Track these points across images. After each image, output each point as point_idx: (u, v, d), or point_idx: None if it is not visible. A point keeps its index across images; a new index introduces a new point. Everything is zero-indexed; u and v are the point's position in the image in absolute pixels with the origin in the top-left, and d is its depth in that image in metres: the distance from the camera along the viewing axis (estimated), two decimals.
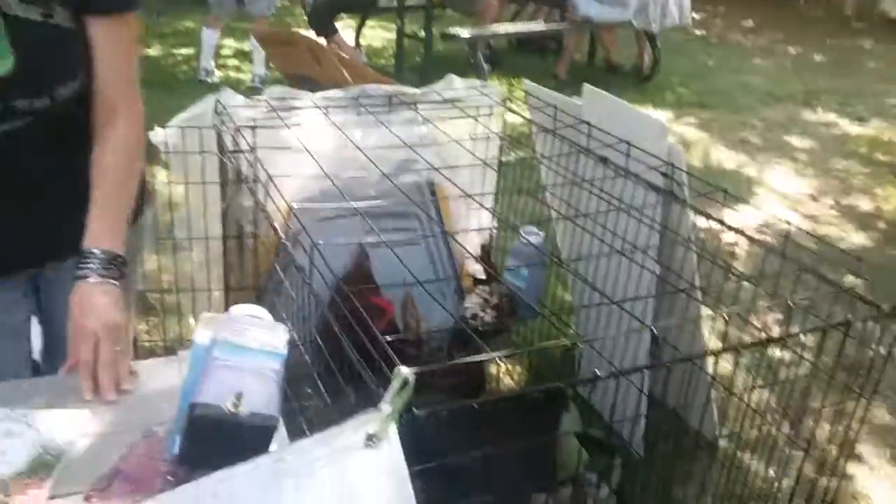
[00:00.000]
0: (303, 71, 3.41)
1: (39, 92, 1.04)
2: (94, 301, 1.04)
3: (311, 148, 1.95)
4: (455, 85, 2.44)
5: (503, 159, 2.45)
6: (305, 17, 6.28)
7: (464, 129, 2.34)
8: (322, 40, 5.89)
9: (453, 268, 2.36)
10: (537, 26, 5.97)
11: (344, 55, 3.61)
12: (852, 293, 1.27)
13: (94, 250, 1.06)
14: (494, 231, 2.47)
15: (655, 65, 5.75)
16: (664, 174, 1.84)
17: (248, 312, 1.18)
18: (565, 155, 2.08)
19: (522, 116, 2.44)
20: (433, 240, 2.34)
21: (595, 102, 2.17)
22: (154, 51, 6.30)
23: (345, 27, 6.31)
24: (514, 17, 7.08)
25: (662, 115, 4.95)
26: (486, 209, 2.20)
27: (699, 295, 1.81)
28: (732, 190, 3.62)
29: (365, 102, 2.24)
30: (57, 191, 1.14)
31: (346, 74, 3.14)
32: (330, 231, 1.90)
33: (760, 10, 9.12)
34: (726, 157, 4.22)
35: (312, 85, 3.40)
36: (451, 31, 5.36)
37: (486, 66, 5.38)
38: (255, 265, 2.11)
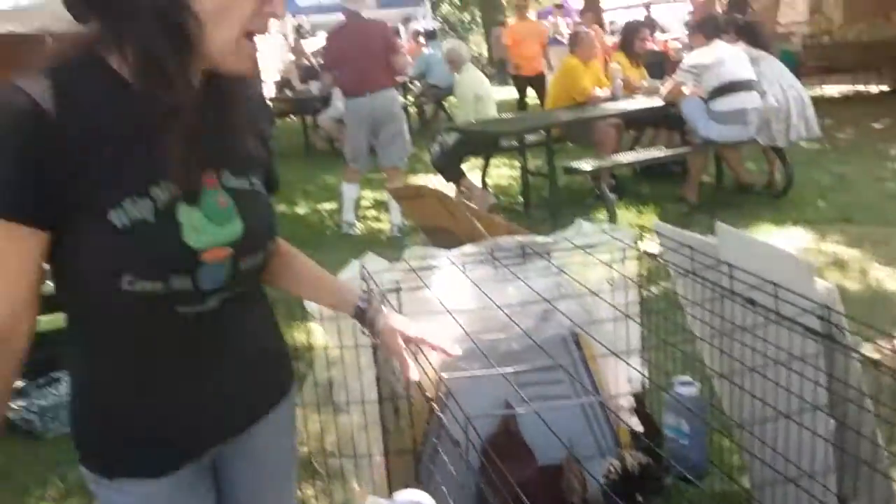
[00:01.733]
0: (437, 222, 3.56)
1: (258, 251, 1.15)
2: (399, 318, 1.33)
3: (453, 307, 2.01)
4: (585, 230, 2.47)
5: (644, 295, 2.42)
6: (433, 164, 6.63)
7: (600, 275, 2.35)
8: (451, 185, 6.18)
9: (608, 422, 2.29)
10: (659, 153, 5.99)
11: (474, 205, 3.74)
12: None
13: (364, 295, 1.34)
14: (647, 381, 2.40)
15: (788, 180, 5.59)
16: (821, 317, 1.75)
17: (412, 499, 1.21)
18: (708, 300, 2.02)
19: (657, 258, 2.42)
20: (584, 395, 2.30)
21: (731, 241, 2.12)
22: (301, 208, 6.75)
23: (470, 168, 6.59)
24: (633, 143, 7.16)
25: (805, 235, 4.75)
26: (634, 368, 2.15)
27: (885, 457, 1.65)
28: None
29: (499, 255, 2.30)
30: (257, 350, 1.22)
31: (479, 225, 3.26)
32: (478, 392, 1.92)
33: (891, 109, 8.78)
34: (885, 276, 3.95)
35: (448, 235, 3.54)
36: (573, 165, 5.47)
37: (611, 196, 5.43)
38: (411, 429, 2.14)
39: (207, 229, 1.06)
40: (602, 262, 2.27)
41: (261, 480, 1.30)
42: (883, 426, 1.63)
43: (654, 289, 2.53)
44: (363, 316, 1.32)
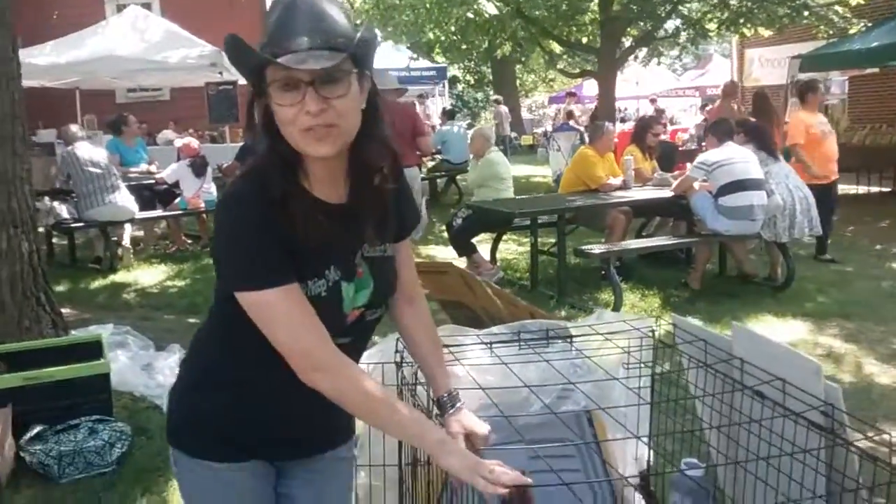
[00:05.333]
0: (456, 297, 3.74)
1: (380, 306, 1.42)
2: (472, 416, 1.52)
3: (479, 381, 2.17)
4: (606, 318, 2.64)
5: (657, 382, 2.57)
6: (447, 236, 6.84)
7: (617, 360, 2.51)
8: (463, 259, 6.38)
9: (613, 499, 2.42)
10: (667, 241, 6.22)
11: (490, 282, 3.91)
12: None
13: (452, 391, 1.56)
14: (654, 462, 2.53)
15: (790, 274, 5.80)
16: (824, 413, 1.90)
17: None
18: (720, 392, 2.18)
19: (673, 348, 2.58)
20: (593, 470, 2.43)
21: (745, 338, 2.29)
22: None
23: (480, 241, 6.80)
24: (641, 229, 7.40)
25: (804, 327, 4.92)
26: (644, 442, 2.28)
27: None
28: (891, 407, 3.54)
29: (525, 337, 2.47)
30: None
31: (499, 303, 3.43)
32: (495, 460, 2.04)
33: (893, 211, 9.06)
34: (880, 372, 4.11)
35: (465, 310, 3.71)
36: (584, 249, 5.68)
37: (618, 279, 5.61)
38: (428, 492, 2.26)
39: (353, 297, 1.35)
40: (620, 348, 2.43)
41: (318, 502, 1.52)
42: None
43: (668, 377, 2.68)
44: (443, 404, 1.56)
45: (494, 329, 2.53)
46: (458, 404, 1.58)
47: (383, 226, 1.41)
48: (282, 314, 1.25)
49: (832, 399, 1.92)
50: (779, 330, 4.73)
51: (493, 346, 2.40)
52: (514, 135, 20.76)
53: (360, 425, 2.45)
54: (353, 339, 1.40)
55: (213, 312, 1.42)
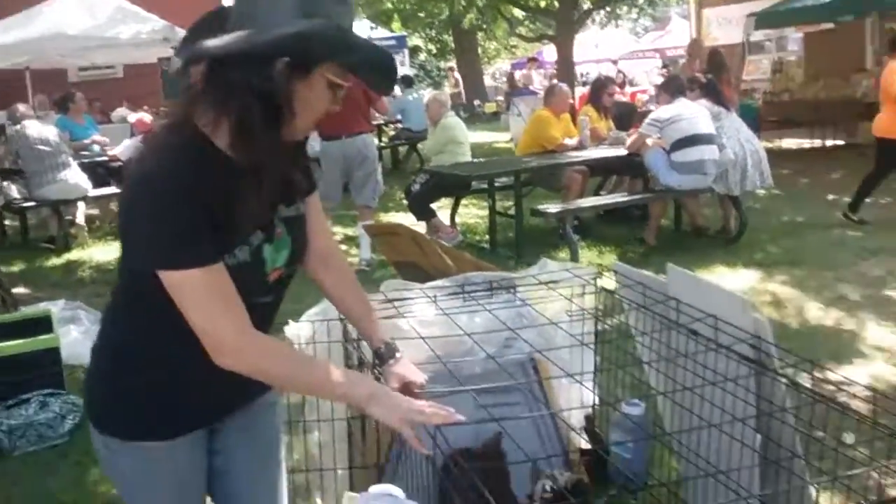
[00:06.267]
0: (408, 258, 3.75)
1: (296, 263, 1.44)
2: (410, 366, 1.57)
3: (423, 334, 2.19)
4: (549, 268, 2.68)
5: (600, 329, 2.62)
6: (405, 202, 6.83)
7: (560, 308, 2.55)
8: (422, 223, 6.38)
9: (560, 441, 2.47)
10: (622, 198, 6.28)
11: (444, 243, 3.93)
12: None
13: (389, 341, 1.59)
14: (597, 404, 2.59)
15: (742, 226, 5.90)
16: (753, 346, 1.96)
17: (385, 491, 1.38)
18: (658, 331, 2.23)
19: (613, 293, 2.62)
20: (539, 416, 2.48)
21: (680, 280, 2.34)
22: None
23: (440, 206, 6.80)
24: (598, 189, 7.46)
25: (754, 276, 5.03)
26: (587, 388, 2.33)
27: (802, 464, 1.86)
28: (833, 348, 3.66)
29: (469, 289, 2.49)
30: None
31: (449, 260, 3.45)
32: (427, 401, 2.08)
33: (845, 163, 9.22)
34: (824, 315, 4.22)
35: (417, 270, 3.73)
36: (540, 208, 5.72)
37: (575, 237, 5.67)
38: (377, 443, 2.30)
39: (273, 258, 1.36)
40: (563, 296, 2.47)
41: (254, 452, 1.53)
42: (802, 438, 1.84)
43: (609, 321, 2.73)
44: (381, 356, 1.58)
45: (438, 282, 2.55)
46: (398, 354, 1.60)
47: (299, 184, 1.42)
48: (202, 296, 1.23)
49: (760, 332, 1.98)
50: (730, 279, 4.83)
51: (438, 299, 2.43)
52: (477, 102, 20.69)
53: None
54: (273, 297, 1.42)
55: (122, 291, 1.40)
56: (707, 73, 7.07)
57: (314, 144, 7.56)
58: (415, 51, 26.94)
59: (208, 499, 1.56)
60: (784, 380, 1.87)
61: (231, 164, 1.25)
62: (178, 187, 1.19)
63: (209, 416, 1.45)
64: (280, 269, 1.38)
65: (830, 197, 7.43)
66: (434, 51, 29.10)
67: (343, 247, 6.56)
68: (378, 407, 1.34)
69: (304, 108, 1.25)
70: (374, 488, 1.39)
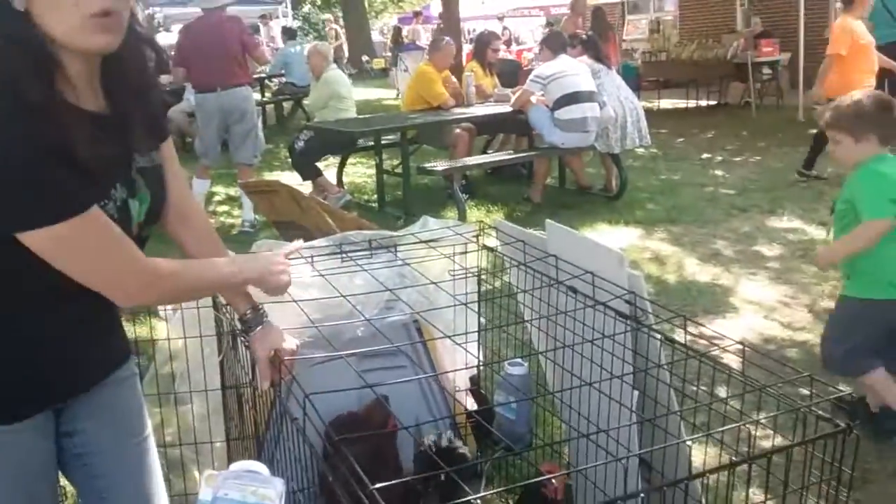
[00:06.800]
0: (288, 217, 3.60)
1: (157, 216, 1.35)
2: (279, 333, 1.55)
3: (300, 296, 2.08)
4: (430, 226, 2.61)
5: (484, 290, 2.59)
6: (290, 161, 6.59)
7: (443, 267, 2.49)
8: (308, 183, 6.18)
9: (445, 403, 2.44)
10: (507, 156, 6.31)
11: (328, 202, 3.80)
12: (811, 412, 1.36)
13: (256, 306, 1.55)
14: (482, 365, 2.57)
15: (623, 185, 6.05)
16: (628, 302, 1.97)
17: (247, 468, 1.29)
18: (538, 288, 2.21)
19: (494, 251, 2.59)
20: (424, 378, 2.43)
21: (558, 236, 2.33)
22: None
23: (327, 166, 6.62)
24: (485, 147, 7.47)
25: (634, 233, 5.18)
26: (470, 352, 2.30)
27: (677, 419, 1.89)
28: (709, 302, 3.81)
29: (347, 249, 2.39)
30: (110, 316, 1.37)
31: (329, 219, 3.33)
32: (323, 376, 1.99)
33: (717, 123, 9.65)
34: (700, 271, 4.39)
35: (297, 230, 3.59)
36: (427, 166, 5.65)
37: (462, 196, 5.64)
38: (254, 415, 2.18)
39: (139, 211, 1.27)
40: (444, 255, 2.41)
41: (116, 428, 1.40)
42: (677, 394, 1.87)
43: (492, 280, 2.70)
44: (247, 322, 1.54)
45: (315, 242, 2.43)
46: (266, 320, 1.55)
47: (152, 132, 1.32)
48: (95, 244, 1.13)
49: (635, 287, 1.99)
50: (612, 237, 4.95)
51: (315, 259, 2.32)
52: (365, 58, 20.26)
53: (179, 356, 2.33)
54: None
55: None
56: (590, 31, 7.16)
57: (189, 98, 7.19)
58: (299, 1, 26.01)
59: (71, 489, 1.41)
60: (659, 336, 1.90)
61: (54, 111, 1.10)
62: (19, 132, 1.05)
63: (56, 393, 1.29)
64: (140, 224, 1.29)
65: (704, 156, 7.74)
66: (319, 2, 28.21)
67: (225, 207, 6.29)
68: (251, 273, 1.45)
69: (46, 5, 1.07)
70: (236, 465, 1.30)
